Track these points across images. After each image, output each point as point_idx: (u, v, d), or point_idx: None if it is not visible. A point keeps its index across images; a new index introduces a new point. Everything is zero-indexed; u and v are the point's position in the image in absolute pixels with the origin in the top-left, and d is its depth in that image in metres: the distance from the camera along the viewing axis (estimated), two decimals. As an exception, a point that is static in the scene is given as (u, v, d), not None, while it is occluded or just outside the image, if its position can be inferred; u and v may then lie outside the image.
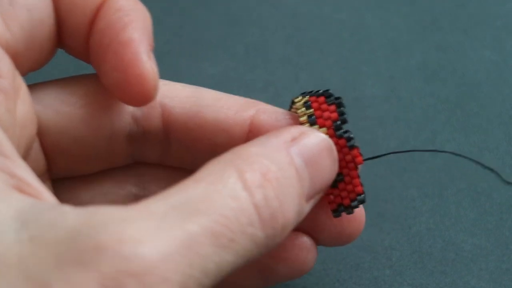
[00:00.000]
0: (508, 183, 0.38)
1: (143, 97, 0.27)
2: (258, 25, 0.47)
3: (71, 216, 0.21)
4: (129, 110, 0.29)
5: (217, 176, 0.23)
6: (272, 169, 0.24)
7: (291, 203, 0.25)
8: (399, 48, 0.45)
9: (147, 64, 0.27)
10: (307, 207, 0.27)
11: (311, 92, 0.29)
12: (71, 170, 0.29)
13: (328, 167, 0.27)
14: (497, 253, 0.35)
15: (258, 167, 0.24)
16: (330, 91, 0.29)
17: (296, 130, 0.27)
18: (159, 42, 0.47)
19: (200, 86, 0.31)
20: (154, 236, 0.21)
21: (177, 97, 0.30)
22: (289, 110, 0.30)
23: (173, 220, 0.21)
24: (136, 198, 0.30)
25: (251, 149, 0.25)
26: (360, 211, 0.30)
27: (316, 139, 0.27)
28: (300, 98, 0.29)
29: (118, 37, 0.26)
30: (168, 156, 0.31)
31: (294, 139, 0.26)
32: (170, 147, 0.30)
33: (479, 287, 0.34)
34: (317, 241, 0.31)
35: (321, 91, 0.29)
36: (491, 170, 0.38)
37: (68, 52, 0.29)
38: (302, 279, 0.34)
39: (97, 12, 0.27)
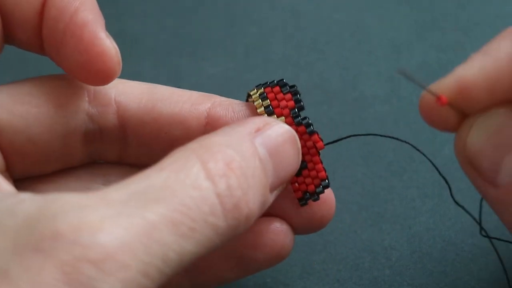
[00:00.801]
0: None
1: (108, 74, 0.28)
2: (258, 25, 0.47)
3: (29, 203, 0.21)
4: (83, 108, 0.29)
5: (180, 165, 0.23)
6: (236, 159, 0.24)
7: (255, 193, 0.25)
8: (399, 48, 0.45)
9: (107, 41, 0.27)
10: (271, 198, 0.27)
11: (266, 83, 0.30)
12: (28, 169, 0.29)
13: (292, 157, 0.28)
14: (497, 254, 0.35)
15: (222, 157, 0.24)
16: (284, 80, 0.29)
17: (260, 120, 0.27)
18: (159, 42, 0.47)
19: (200, 86, 0.31)
20: (113, 224, 0.21)
21: (132, 93, 0.30)
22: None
23: (132, 207, 0.22)
24: None
25: (215, 138, 0.25)
26: (329, 194, 0.30)
27: (280, 130, 0.27)
28: (255, 90, 0.29)
29: (72, 20, 0.27)
30: (127, 153, 0.31)
31: (258, 130, 0.27)
32: (128, 144, 0.30)
33: (479, 287, 0.34)
34: (292, 228, 0.31)
35: (275, 81, 0.29)
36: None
37: (19, 46, 0.29)
38: (302, 279, 0.34)
39: (44, 2, 0.27)
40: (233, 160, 0.24)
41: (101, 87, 0.30)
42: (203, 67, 0.44)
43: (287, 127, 0.28)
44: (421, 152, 0.29)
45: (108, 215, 0.21)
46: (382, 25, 0.47)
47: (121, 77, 0.32)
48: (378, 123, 0.41)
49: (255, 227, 0.30)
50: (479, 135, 0.26)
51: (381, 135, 0.30)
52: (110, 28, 0.42)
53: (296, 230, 0.31)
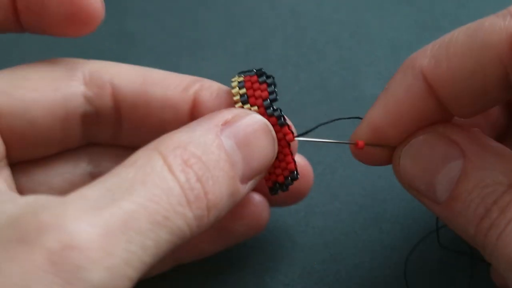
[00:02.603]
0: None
1: (93, 18, 0.28)
2: (258, 25, 0.47)
3: (10, 205, 0.22)
4: (80, 90, 0.29)
5: (145, 161, 0.25)
6: (195, 154, 0.25)
7: (219, 185, 0.26)
8: (399, 48, 0.45)
9: None
10: (245, 188, 0.27)
11: (247, 71, 0.30)
12: (28, 153, 0.30)
13: (265, 147, 0.28)
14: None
15: (180, 153, 0.25)
16: (263, 70, 0.29)
17: (228, 112, 0.28)
18: (159, 42, 0.47)
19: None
20: (93, 214, 0.22)
21: (126, 76, 0.30)
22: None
23: (109, 199, 0.23)
24: (91, 175, 0.31)
25: (175, 135, 0.26)
26: (306, 168, 0.32)
27: (250, 121, 0.28)
28: (236, 77, 0.30)
29: None
30: (119, 135, 0.31)
31: (226, 122, 0.27)
32: (121, 126, 0.31)
33: (478, 287, 0.34)
34: (269, 200, 0.32)
35: (254, 70, 0.30)
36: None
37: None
38: (303, 279, 0.34)
39: None
40: (192, 155, 0.25)
41: (96, 70, 0.30)
42: (203, 67, 0.44)
43: (259, 117, 0.28)
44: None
45: (87, 207, 0.22)
46: (382, 25, 0.47)
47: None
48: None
49: None
50: (406, 163, 0.29)
51: (344, 118, 0.30)
52: (110, 28, 0.42)
53: (274, 202, 0.32)
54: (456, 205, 0.27)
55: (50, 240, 0.21)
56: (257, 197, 0.32)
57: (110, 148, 0.32)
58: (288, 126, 0.29)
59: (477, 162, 0.27)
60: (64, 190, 0.30)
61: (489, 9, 0.50)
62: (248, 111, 0.28)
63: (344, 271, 0.35)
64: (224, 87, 0.30)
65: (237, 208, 0.31)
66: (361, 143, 0.29)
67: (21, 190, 0.30)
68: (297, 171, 0.29)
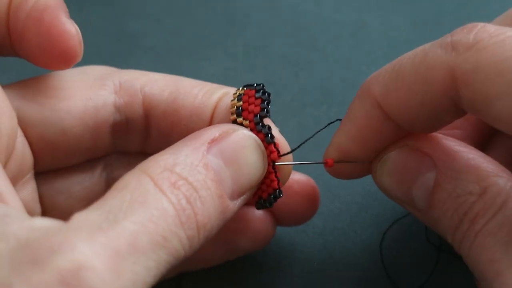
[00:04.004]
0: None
1: (69, 55, 0.28)
2: (258, 25, 0.47)
3: (20, 228, 0.22)
4: (111, 100, 0.30)
5: (136, 184, 0.24)
6: (182, 176, 0.25)
7: (207, 206, 0.25)
8: (399, 48, 0.45)
9: (68, 22, 0.28)
10: (235, 204, 0.27)
11: (252, 85, 0.30)
12: (58, 162, 0.30)
13: (254, 163, 0.28)
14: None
15: (167, 176, 0.25)
16: (262, 85, 0.29)
17: (216, 129, 0.27)
18: (159, 42, 0.47)
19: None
20: (101, 235, 0.22)
21: (156, 85, 0.30)
22: None
23: (112, 220, 0.23)
24: (106, 182, 0.31)
25: (162, 157, 0.26)
26: (313, 190, 0.32)
27: (238, 137, 0.27)
28: (240, 89, 0.30)
29: (34, 6, 0.27)
30: (148, 144, 0.31)
31: (213, 140, 0.27)
32: (150, 135, 0.31)
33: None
34: (277, 220, 0.33)
35: (255, 85, 0.30)
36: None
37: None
38: (303, 280, 0.34)
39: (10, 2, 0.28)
40: (178, 177, 0.25)
41: (128, 79, 0.30)
42: (203, 67, 0.44)
43: (247, 133, 0.28)
44: None
45: (94, 229, 0.22)
46: (382, 25, 0.47)
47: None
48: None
49: (241, 215, 0.32)
50: (382, 177, 0.30)
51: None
52: (110, 28, 0.42)
53: (283, 222, 0.33)
54: (434, 213, 0.28)
55: (62, 260, 0.21)
56: (263, 214, 0.33)
57: (122, 155, 0.32)
58: (275, 144, 0.28)
59: (449, 172, 0.28)
60: (83, 198, 0.30)
61: (489, 9, 0.50)
62: (236, 127, 0.28)
63: (344, 271, 0.35)
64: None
65: (241, 223, 0.31)
66: (330, 161, 0.30)
67: (41, 198, 0.30)
68: (279, 190, 0.29)
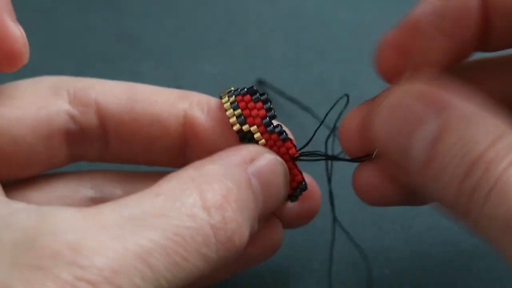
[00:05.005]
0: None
1: (13, 58, 0.27)
2: (258, 25, 0.47)
3: (25, 216, 0.22)
4: (64, 108, 0.29)
5: (176, 192, 0.24)
6: (233, 191, 0.24)
7: (247, 225, 0.25)
8: (399, 48, 0.45)
9: (12, 25, 0.27)
10: (259, 227, 0.27)
11: (236, 90, 0.29)
12: (12, 173, 0.29)
13: (281, 188, 0.28)
14: (497, 253, 0.35)
15: (219, 187, 0.24)
16: (254, 88, 0.29)
17: (254, 149, 0.27)
18: (159, 42, 0.47)
19: (200, 86, 0.31)
20: (109, 247, 0.21)
21: (112, 93, 0.30)
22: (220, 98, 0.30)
23: (128, 232, 0.22)
24: (92, 201, 0.31)
25: (212, 166, 0.25)
26: (314, 189, 0.31)
27: (270, 160, 0.27)
28: (226, 98, 0.29)
29: None
30: (107, 152, 0.31)
31: (252, 160, 0.27)
32: (108, 143, 0.31)
33: (478, 287, 0.34)
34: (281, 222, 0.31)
35: (245, 89, 0.29)
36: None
37: None
38: (303, 280, 0.34)
39: None
40: (230, 192, 0.24)
41: (82, 88, 0.30)
42: (203, 67, 0.44)
43: (275, 157, 0.28)
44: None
45: (104, 239, 0.22)
46: (382, 25, 0.47)
47: (121, 77, 0.32)
48: (378, 123, 0.41)
49: None
50: (382, 124, 0.27)
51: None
52: (110, 28, 0.42)
53: (286, 224, 0.32)
54: (434, 165, 0.24)
55: (65, 270, 0.21)
56: (272, 220, 0.31)
57: (115, 173, 0.32)
58: (291, 140, 0.29)
59: (456, 120, 0.24)
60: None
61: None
62: (262, 149, 0.28)
63: (344, 271, 0.35)
64: (213, 100, 0.30)
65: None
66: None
67: None
68: (305, 181, 0.29)
